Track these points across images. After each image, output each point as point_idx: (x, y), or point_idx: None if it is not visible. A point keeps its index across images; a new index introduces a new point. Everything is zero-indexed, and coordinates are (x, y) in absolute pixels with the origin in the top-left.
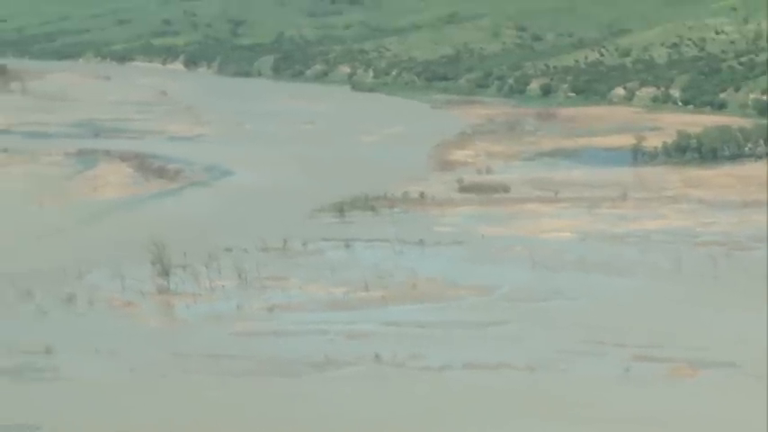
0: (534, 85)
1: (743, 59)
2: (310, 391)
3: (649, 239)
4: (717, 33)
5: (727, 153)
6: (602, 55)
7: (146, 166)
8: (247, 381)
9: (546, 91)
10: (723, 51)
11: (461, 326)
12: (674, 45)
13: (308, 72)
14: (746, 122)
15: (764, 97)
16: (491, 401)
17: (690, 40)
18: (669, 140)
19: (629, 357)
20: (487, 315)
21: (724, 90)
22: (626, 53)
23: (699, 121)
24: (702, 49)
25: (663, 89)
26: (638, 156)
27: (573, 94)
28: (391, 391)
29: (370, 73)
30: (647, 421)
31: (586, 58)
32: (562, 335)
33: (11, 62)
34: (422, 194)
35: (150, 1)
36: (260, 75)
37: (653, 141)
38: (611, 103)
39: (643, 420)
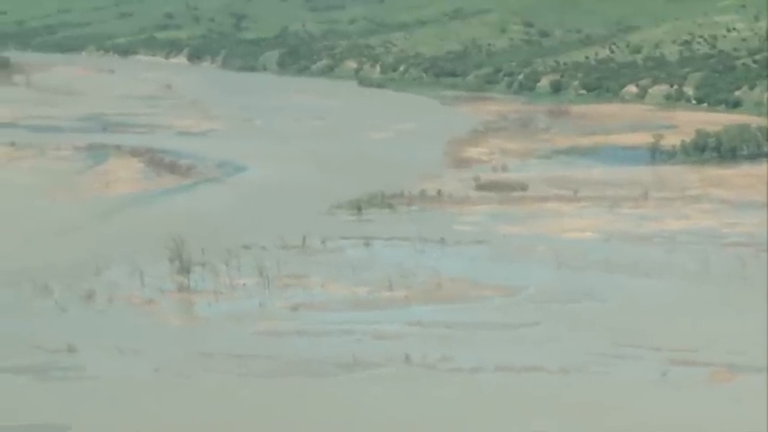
0: (544, 82)
1: (757, 57)
2: (339, 393)
3: (674, 240)
4: (728, 31)
5: (745, 152)
6: (612, 52)
7: (157, 161)
8: (274, 381)
9: (556, 88)
10: (735, 49)
11: (489, 327)
12: (686, 42)
13: (314, 67)
14: (764, 121)
15: None
16: (524, 405)
17: (701, 37)
18: (687, 139)
19: (665, 361)
20: (515, 316)
21: (739, 88)
22: (637, 50)
23: (714, 120)
24: (714, 47)
25: (676, 87)
26: (656, 154)
27: (584, 92)
28: (421, 393)
29: (377, 68)
30: (687, 427)
31: (597, 54)
32: (594, 337)
33: (13, 55)
34: (439, 192)
35: None
36: (265, 69)
37: (669, 140)
38: (623, 100)
39: (682, 426)
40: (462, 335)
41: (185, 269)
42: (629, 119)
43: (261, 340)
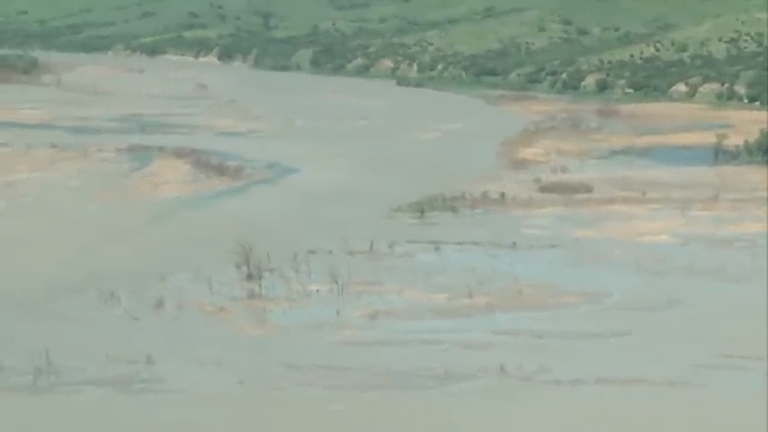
0: (589, 81)
1: None
2: (433, 406)
3: (756, 243)
4: None
5: None
6: (657, 50)
7: (203, 162)
8: (365, 394)
9: (602, 87)
10: None
11: (579, 336)
12: (732, 40)
13: (349, 66)
14: None
15: None
16: (634, 419)
17: (747, 35)
18: (749, 138)
19: None
20: (605, 325)
21: None
22: (683, 48)
23: None
24: (761, 45)
25: (727, 85)
26: (720, 155)
27: (631, 90)
28: (522, 407)
29: (414, 67)
30: None
31: (641, 53)
32: (690, 347)
33: (38, 54)
34: (502, 195)
35: None
36: (299, 68)
37: (730, 140)
38: (671, 99)
39: None
40: (553, 344)
41: (255, 275)
42: (681, 118)
43: (342, 350)
